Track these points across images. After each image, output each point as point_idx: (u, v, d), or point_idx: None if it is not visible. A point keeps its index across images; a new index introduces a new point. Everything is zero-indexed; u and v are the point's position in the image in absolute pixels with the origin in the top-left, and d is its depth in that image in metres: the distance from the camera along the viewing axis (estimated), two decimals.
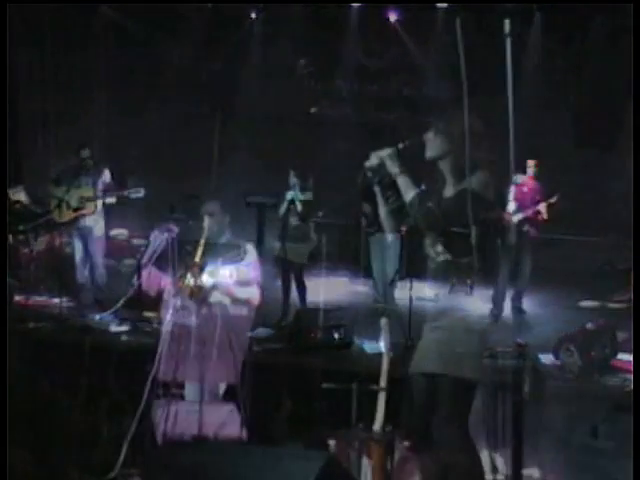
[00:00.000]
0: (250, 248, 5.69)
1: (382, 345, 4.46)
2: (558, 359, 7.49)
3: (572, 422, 5.94)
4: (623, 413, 5.70)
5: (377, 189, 4.01)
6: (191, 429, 4.75)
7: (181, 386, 5.23)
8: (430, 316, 4.01)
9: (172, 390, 4.98)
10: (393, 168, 3.90)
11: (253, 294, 5.58)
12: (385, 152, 3.93)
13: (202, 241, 5.31)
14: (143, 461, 4.38)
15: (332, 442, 4.63)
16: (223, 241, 5.64)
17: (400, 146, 3.95)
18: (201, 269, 5.23)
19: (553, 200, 8.73)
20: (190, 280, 5.18)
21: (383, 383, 4.38)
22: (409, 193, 3.88)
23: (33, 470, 4.66)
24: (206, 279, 5.36)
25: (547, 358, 7.47)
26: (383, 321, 4.47)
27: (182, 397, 5.23)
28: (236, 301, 5.42)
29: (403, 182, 3.90)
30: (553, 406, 6.05)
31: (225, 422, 4.95)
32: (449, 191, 3.91)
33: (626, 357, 7.64)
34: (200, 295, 5.26)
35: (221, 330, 4.80)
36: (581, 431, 5.76)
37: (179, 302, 4.92)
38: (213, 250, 5.49)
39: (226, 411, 5.04)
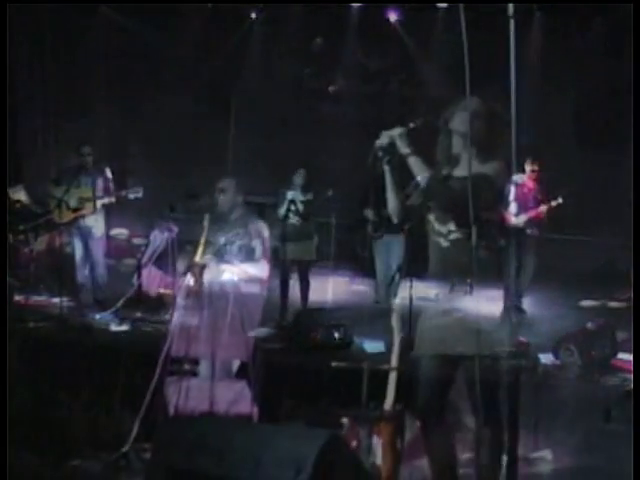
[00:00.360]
0: (261, 225, 5.73)
1: (394, 324, 4.49)
2: (558, 359, 7.50)
3: (585, 406, 5.97)
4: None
5: (387, 168, 3.94)
6: (202, 405, 4.78)
7: (194, 362, 5.28)
8: (434, 310, 3.98)
9: (185, 367, 5.05)
10: (404, 148, 3.86)
11: (262, 270, 5.56)
12: (396, 131, 3.88)
13: (202, 240, 5.29)
14: (155, 435, 4.37)
15: (345, 420, 4.66)
16: (233, 218, 5.68)
17: (411, 125, 3.91)
18: (202, 269, 5.21)
19: (555, 203, 8.71)
20: (190, 280, 5.16)
21: (394, 362, 4.40)
22: (423, 173, 3.85)
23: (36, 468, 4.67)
24: (215, 255, 5.41)
25: (547, 358, 7.47)
26: (395, 302, 4.64)
27: (194, 374, 5.27)
28: (246, 277, 5.44)
29: (415, 162, 3.87)
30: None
31: (236, 399, 4.98)
32: (460, 172, 3.86)
33: (626, 357, 7.65)
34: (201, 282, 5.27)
35: (233, 308, 4.81)
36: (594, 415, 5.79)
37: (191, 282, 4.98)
38: (223, 226, 5.56)
39: (238, 388, 5.06)
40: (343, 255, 10.77)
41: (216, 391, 4.78)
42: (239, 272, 5.44)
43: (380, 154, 3.90)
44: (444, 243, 3.90)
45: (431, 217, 3.94)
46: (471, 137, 3.67)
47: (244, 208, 5.87)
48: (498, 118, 3.82)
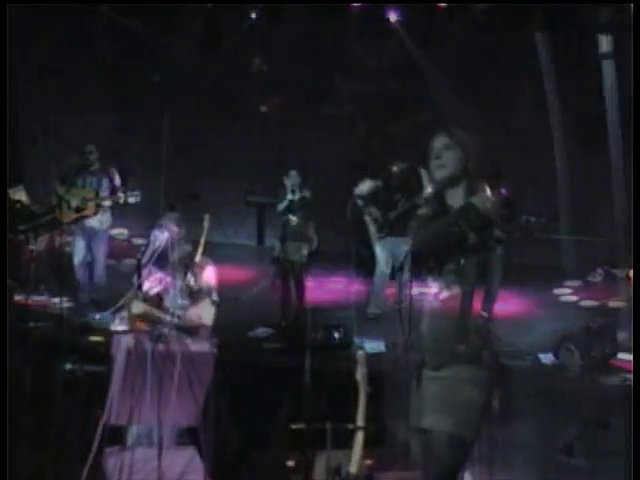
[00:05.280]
0: (206, 261, 5.19)
1: (358, 378, 4.09)
2: (558, 359, 7.51)
3: (545, 437, 5.80)
4: (598, 429, 5.58)
5: (369, 219, 3.74)
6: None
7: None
8: (430, 362, 3.55)
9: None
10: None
11: (207, 314, 5.01)
12: (377, 182, 3.71)
13: (202, 240, 5.16)
14: None
15: (291, 463, 4.44)
16: (176, 257, 5.12)
17: (394, 169, 3.71)
18: (202, 268, 5.10)
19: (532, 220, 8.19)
20: (190, 280, 5.06)
21: (361, 422, 4.00)
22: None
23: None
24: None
25: (547, 358, 7.48)
26: (359, 353, 4.19)
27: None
28: (191, 324, 4.89)
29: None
30: (524, 422, 5.87)
31: (186, 470, 4.41)
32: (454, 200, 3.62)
33: (626, 357, 7.66)
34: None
35: (181, 369, 4.25)
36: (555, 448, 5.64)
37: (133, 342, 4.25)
38: (164, 266, 5.11)
39: (186, 457, 4.48)
40: (342, 255, 10.76)
41: (164, 462, 4.19)
42: (182, 319, 4.88)
43: (360, 203, 3.73)
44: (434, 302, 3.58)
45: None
46: (463, 179, 3.54)
47: (186, 245, 5.26)
48: (473, 151, 3.61)
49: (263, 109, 11.30)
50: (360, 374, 4.10)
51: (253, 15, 11.01)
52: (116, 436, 4.26)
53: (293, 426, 4.22)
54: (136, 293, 5.44)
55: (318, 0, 10.73)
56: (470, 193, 3.53)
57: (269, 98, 11.27)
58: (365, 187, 3.65)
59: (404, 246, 9.36)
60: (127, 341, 4.27)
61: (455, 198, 3.60)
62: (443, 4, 10.23)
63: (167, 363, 4.26)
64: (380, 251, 9.02)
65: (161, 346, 4.23)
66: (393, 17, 10.53)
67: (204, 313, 4.98)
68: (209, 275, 5.08)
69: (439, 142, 3.57)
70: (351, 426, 4.00)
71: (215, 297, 5.03)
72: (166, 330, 4.52)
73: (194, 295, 4.98)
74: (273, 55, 11.22)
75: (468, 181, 3.56)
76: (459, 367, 3.40)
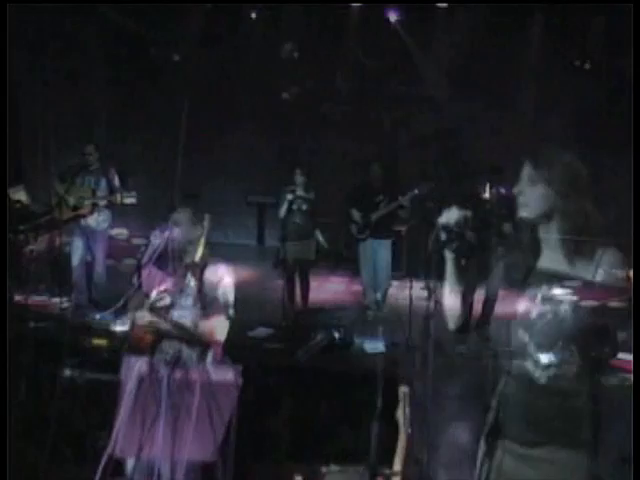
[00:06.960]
0: (223, 269, 4.67)
1: (398, 417, 3.69)
2: (558, 359, 7.49)
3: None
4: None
5: (450, 257, 2.94)
6: None
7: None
8: (520, 435, 2.93)
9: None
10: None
11: (220, 328, 4.51)
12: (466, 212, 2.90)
13: (202, 240, 5.04)
14: None
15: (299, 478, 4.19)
16: (189, 260, 4.69)
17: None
18: (202, 269, 5.00)
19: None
20: (191, 280, 4.97)
21: (398, 466, 3.64)
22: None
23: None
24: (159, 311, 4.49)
25: (547, 358, 7.47)
26: (403, 390, 3.71)
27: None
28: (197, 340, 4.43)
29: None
30: None
31: None
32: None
33: (626, 357, 7.66)
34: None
35: (200, 400, 3.72)
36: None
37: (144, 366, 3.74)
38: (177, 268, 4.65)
39: None
40: (342, 254, 10.78)
41: None
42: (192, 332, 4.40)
43: (444, 237, 2.87)
44: (541, 379, 3.03)
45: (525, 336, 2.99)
46: (558, 218, 2.98)
47: (205, 245, 4.72)
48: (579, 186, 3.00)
49: (264, 109, 11.29)
50: (401, 413, 3.66)
51: (253, 15, 11.02)
52: (115, 466, 3.84)
53: (332, 468, 3.96)
54: (140, 300, 5.00)
55: (318, 0, 10.74)
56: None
57: (270, 98, 11.25)
58: (452, 216, 2.85)
59: (387, 250, 9.29)
60: (140, 366, 3.75)
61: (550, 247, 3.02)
62: (443, 4, 10.25)
63: (184, 393, 3.74)
64: (363, 257, 9.01)
65: (178, 373, 3.74)
66: (393, 17, 10.55)
67: (218, 328, 4.49)
68: (227, 287, 4.59)
69: (524, 173, 2.90)
70: (387, 471, 3.65)
71: (232, 312, 4.56)
72: (177, 345, 4.19)
73: (207, 306, 4.51)
74: (273, 54, 11.21)
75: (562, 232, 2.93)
76: (560, 448, 2.90)
